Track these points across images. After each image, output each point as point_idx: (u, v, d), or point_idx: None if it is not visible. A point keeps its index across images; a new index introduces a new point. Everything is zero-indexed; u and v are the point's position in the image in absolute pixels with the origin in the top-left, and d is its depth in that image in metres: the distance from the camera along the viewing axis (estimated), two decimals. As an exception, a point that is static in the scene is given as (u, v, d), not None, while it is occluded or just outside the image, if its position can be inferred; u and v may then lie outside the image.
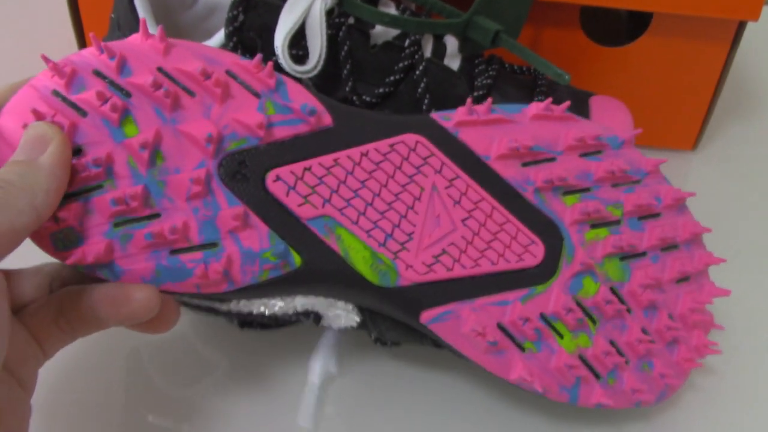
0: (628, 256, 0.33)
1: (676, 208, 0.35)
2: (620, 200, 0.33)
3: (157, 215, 0.28)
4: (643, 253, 0.34)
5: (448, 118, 0.32)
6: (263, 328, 0.37)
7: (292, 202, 0.30)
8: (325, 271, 0.30)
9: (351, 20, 0.39)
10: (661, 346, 0.34)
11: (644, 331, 0.33)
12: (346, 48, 0.39)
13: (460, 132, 0.32)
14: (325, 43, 0.37)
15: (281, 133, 0.30)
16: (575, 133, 0.33)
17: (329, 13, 0.38)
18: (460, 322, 0.31)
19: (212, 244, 0.29)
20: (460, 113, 0.32)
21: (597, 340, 0.33)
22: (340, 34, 0.39)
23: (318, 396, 0.34)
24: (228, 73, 0.29)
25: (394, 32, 0.40)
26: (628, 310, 0.33)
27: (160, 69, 0.29)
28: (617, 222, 0.33)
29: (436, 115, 0.32)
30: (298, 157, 0.30)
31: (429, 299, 0.31)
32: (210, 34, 0.41)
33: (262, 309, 0.32)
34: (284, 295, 0.31)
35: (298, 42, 0.38)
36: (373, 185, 0.31)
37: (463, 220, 0.31)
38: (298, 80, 0.35)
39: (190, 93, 0.29)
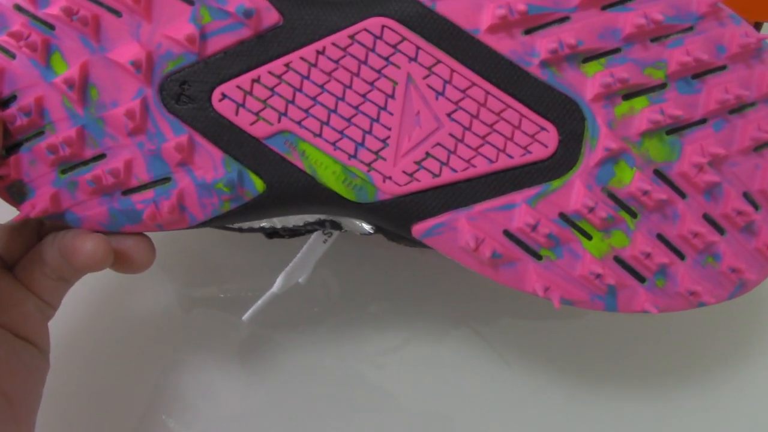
0: (677, 128, 0.26)
1: (748, 55, 0.26)
2: (662, 58, 0.26)
3: (102, 156, 0.26)
4: (701, 121, 0.27)
5: (421, -10, 0.26)
6: (291, 236, 0.35)
7: (243, 121, 0.26)
8: (293, 193, 0.27)
9: None
10: (733, 234, 0.27)
11: (707, 217, 0.27)
12: None
13: (437, 4, 0.26)
14: None
15: (222, 42, 0.26)
16: (591, -21, 0.26)
17: None
18: (456, 234, 0.27)
19: (164, 180, 0.26)
20: (436, -20, 0.26)
21: (636, 237, 0.27)
22: None
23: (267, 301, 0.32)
24: None
25: None
26: (682, 195, 0.27)
27: (80, -9, 0.26)
28: (660, 86, 0.26)
29: (406, -12, 0.26)
30: (244, 67, 0.26)
31: (417, 212, 0.27)
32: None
33: (263, 224, 0.30)
34: (264, 218, 0.28)
35: None
36: (334, 88, 0.26)
37: (449, 114, 0.26)
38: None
39: (116, 13, 0.26)
